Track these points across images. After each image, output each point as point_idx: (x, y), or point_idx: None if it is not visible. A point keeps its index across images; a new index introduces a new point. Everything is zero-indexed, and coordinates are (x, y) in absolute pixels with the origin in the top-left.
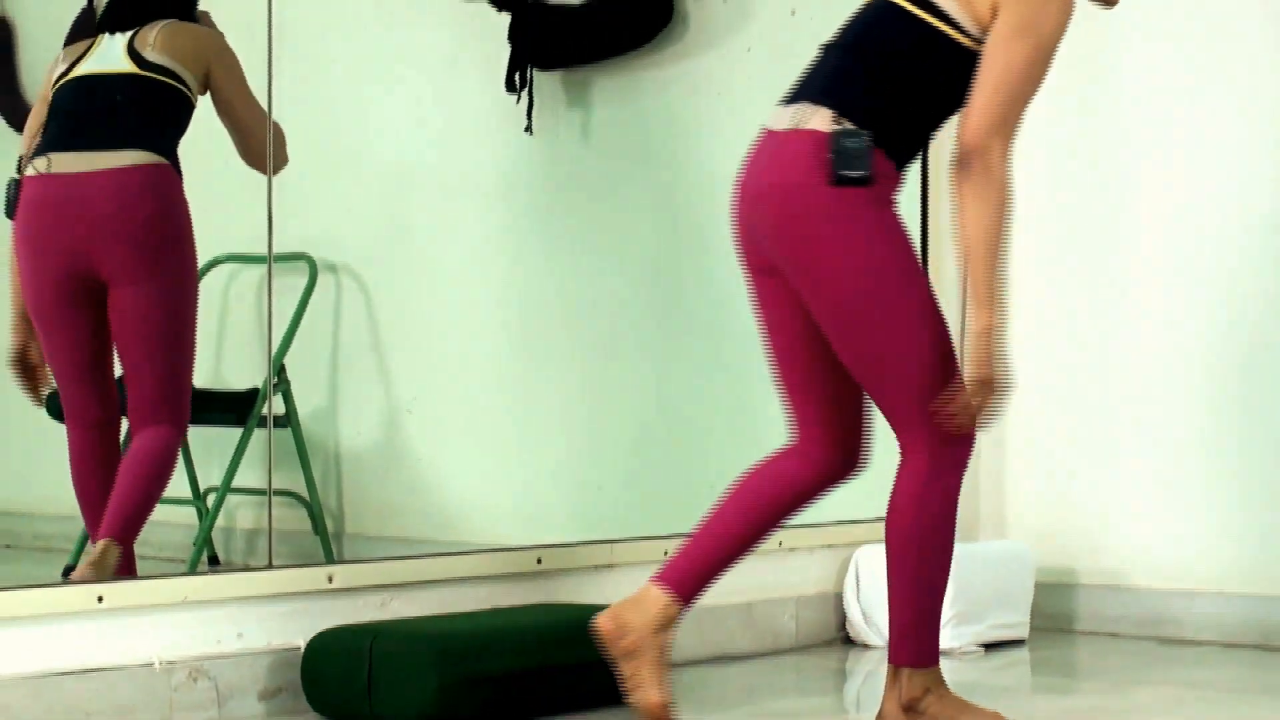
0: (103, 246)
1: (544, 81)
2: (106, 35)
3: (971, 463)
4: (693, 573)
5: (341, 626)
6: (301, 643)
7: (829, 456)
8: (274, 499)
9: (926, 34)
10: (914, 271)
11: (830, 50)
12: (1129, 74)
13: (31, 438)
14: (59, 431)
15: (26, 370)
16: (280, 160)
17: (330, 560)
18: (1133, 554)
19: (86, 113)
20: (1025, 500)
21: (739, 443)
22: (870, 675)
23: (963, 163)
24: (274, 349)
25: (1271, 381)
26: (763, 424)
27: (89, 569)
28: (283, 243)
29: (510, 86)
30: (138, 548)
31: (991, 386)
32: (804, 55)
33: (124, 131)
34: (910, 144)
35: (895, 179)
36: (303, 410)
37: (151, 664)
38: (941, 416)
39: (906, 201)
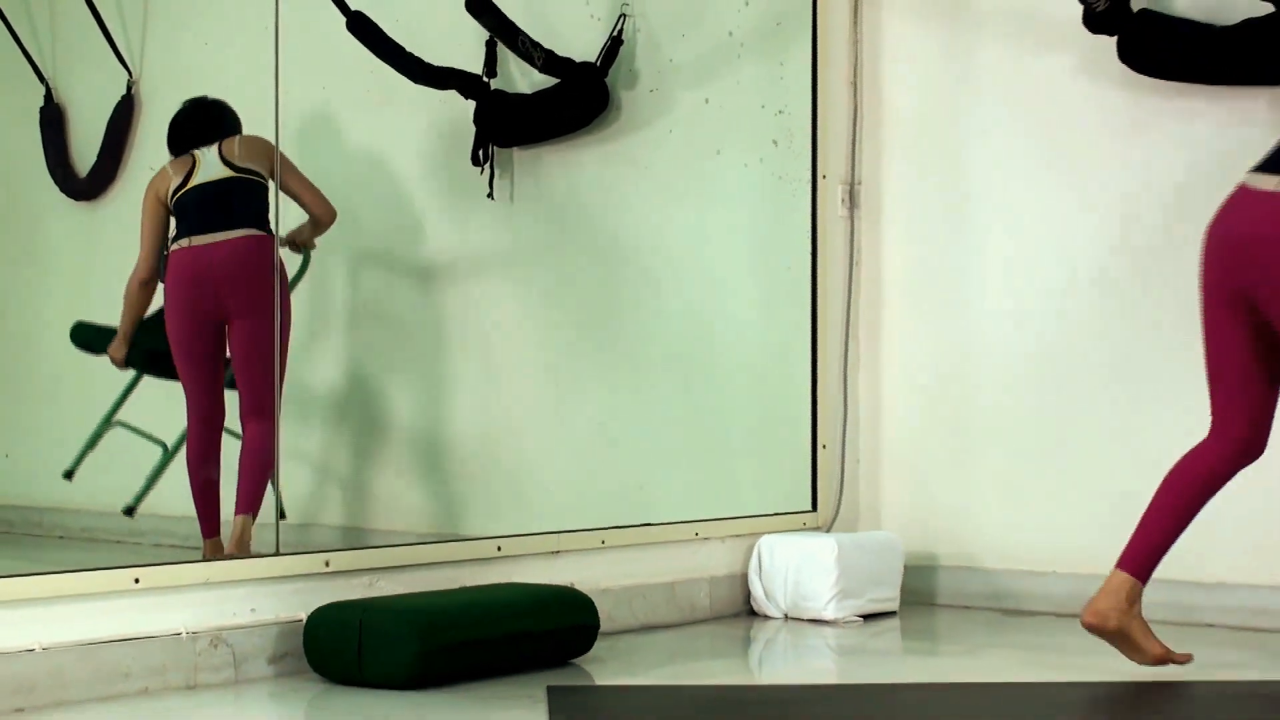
0: (228, 292)
1: (503, 156)
2: (202, 152)
3: (851, 467)
4: (1145, 553)
5: (336, 602)
6: (303, 616)
7: (1246, 441)
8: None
9: None
10: None
11: None
12: (981, 158)
13: (79, 439)
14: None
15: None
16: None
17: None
18: (983, 541)
19: (211, 206)
20: (896, 498)
21: (661, 451)
22: (770, 642)
23: None
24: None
25: (1086, 400)
26: (680, 436)
27: (234, 545)
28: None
29: (475, 160)
30: (169, 539)
31: None
32: (716, 137)
33: (236, 216)
34: None
35: None
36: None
37: (179, 633)
38: None
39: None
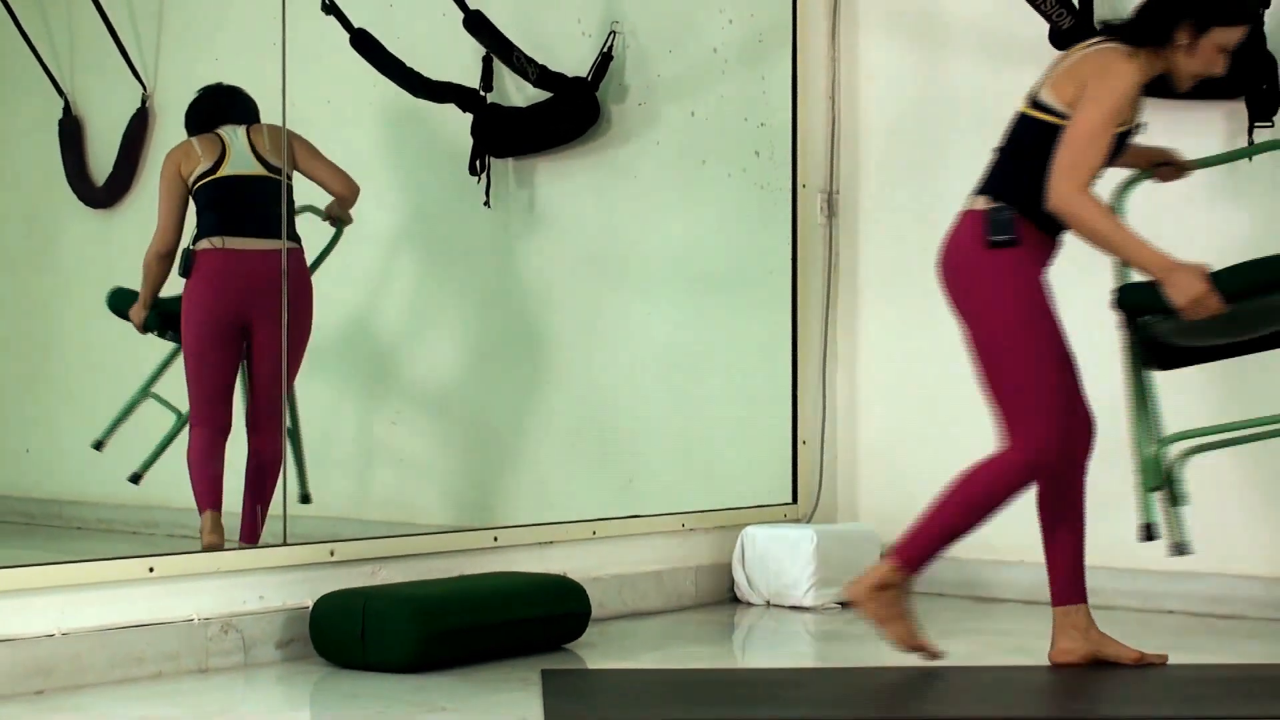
0: (257, 302)
1: (499, 166)
2: (230, 135)
3: (830, 462)
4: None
5: (341, 590)
6: (309, 603)
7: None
8: None
9: (1045, 126)
10: (1040, 319)
11: (994, 153)
12: (952, 168)
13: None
14: (121, 434)
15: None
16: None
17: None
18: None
19: (243, 205)
20: (873, 491)
21: (649, 446)
22: (752, 628)
23: (1058, 211)
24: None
25: None
26: (667, 432)
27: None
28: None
29: (472, 170)
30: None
31: (1198, 299)
32: (701, 148)
33: (271, 222)
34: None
35: (1044, 241)
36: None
37: (192, 619)
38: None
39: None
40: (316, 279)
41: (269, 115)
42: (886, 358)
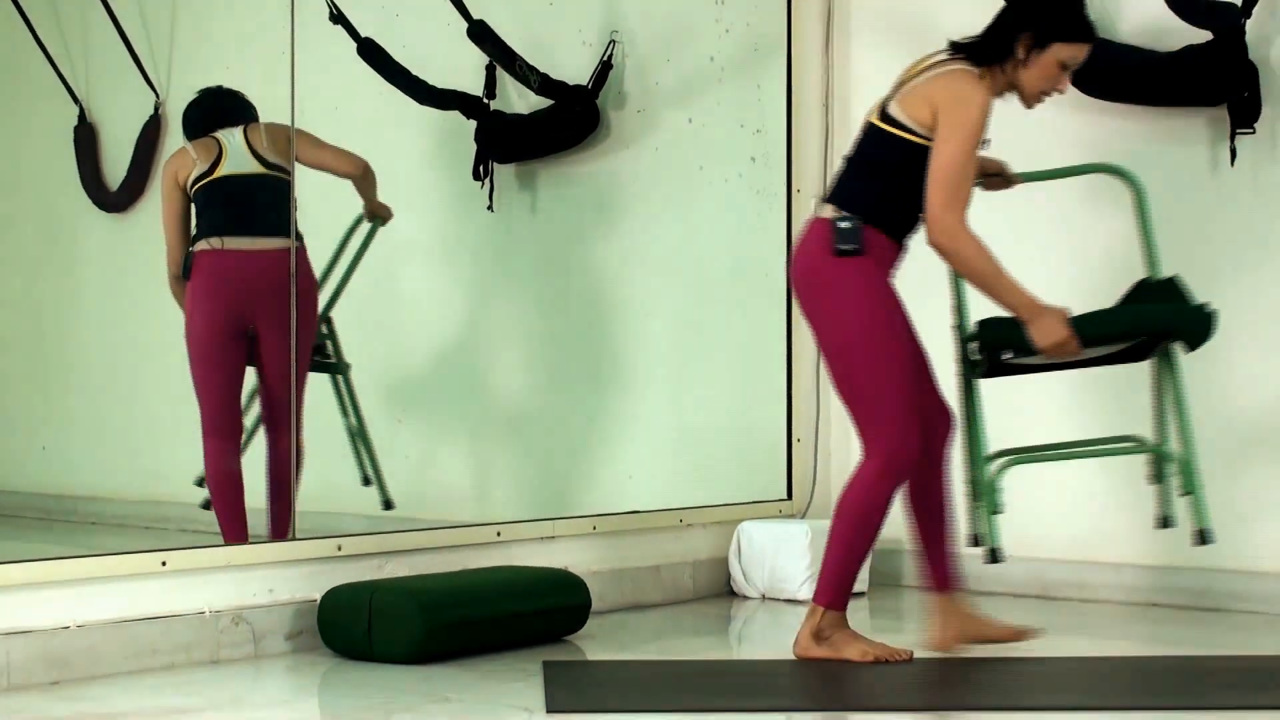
0: (263, 303)
1: (502, 172)
2: (226, 137)
3: (823, 459)
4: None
5: (348, 584)
6: (318, 596)
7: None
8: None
9: (894, 140)
10: (887, 325)
11: (843, 161)
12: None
13: (111, 433)
14: (135, 432)
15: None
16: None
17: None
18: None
19: (242, 204)
20: None
21: (648, 444)
22: (748, 620)
23: (936, 245)
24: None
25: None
26: (666, 431)
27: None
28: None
29: (476, 175)
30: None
31: (1060, 344)
32: (698, 154)
33: (271, 221)
34: (901, 220)
35: (890, 247)
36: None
37: (203, 612)
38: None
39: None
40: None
41: (279, 120)
42: None
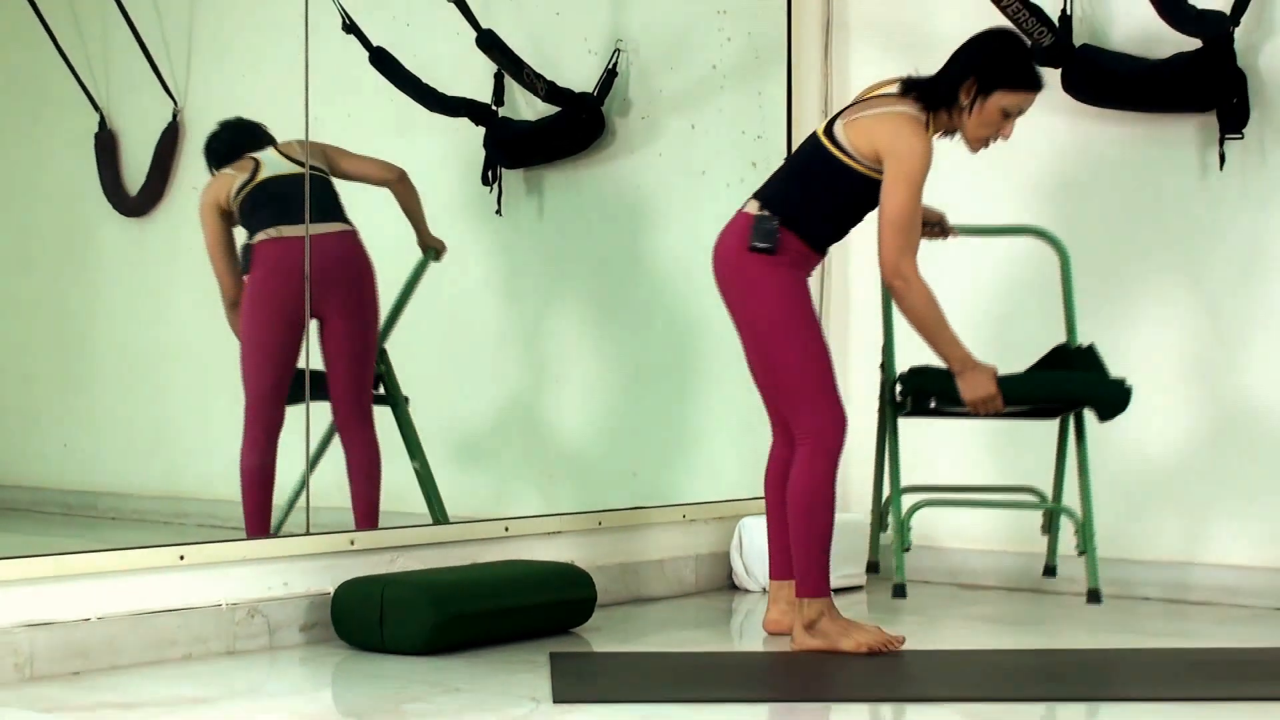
0: (327, 288)
1: (510, 177)
2: (258, 154)
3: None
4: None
5: (360, 577)
6: (331, 589)
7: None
8: None
9: (831, 159)
10: (800, 315)
11: (784, 161)
12: (938, 177)
13: (130, 431)
14: (153, 429)
15: None
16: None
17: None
18: (941, 524)
19: (291, 198)
20: (862, 483)
21: (652, 441)
22: (750, 613)
23: (889, 286)
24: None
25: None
26: (669, 428)
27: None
28: None
29: (485, 180)
30: (211, 520)
31: (986, 400)
32: (701, 160)
33: (324, 208)
34: (820, 231)
35: (806, 253)
36: None
37: (220, 605)
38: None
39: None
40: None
41: (293, 126)
42: (876, 357)
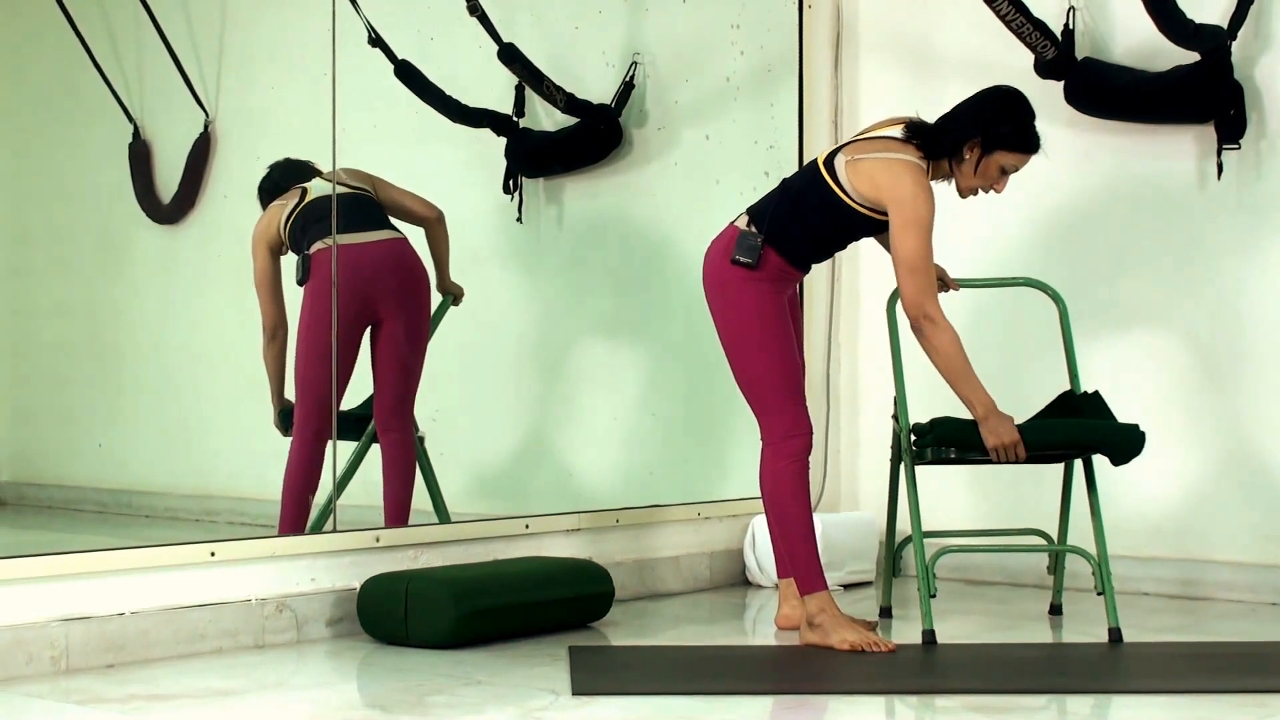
0: (381, 292)
1: (530, 186)
2: (306, 184)
3: (833, 455)
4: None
5: (385, 573)
6: (357, 585)
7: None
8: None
9: (828, 192)
10: (770, 328)
11: (780, 182)
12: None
13: (163, 431)
14: (186, 430)
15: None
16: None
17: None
18: (948, 521)
19: (342, 211)
20: (874, 481)
21: (668, 442)
22: (762, 608)
23: (915, 329)
24: None
25: (1041, 400)
26: (684, 429)
27: None
28: None
29: (506, 189)
30: (241, 518)
31: (1008, 446)
32: (715, 169)
33: (375, 219)
34: (802, 254)
35: (787, 270)
36: None
37: (249, 600)
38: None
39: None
40: None
41: (321, 138)
42: (886, 358)
